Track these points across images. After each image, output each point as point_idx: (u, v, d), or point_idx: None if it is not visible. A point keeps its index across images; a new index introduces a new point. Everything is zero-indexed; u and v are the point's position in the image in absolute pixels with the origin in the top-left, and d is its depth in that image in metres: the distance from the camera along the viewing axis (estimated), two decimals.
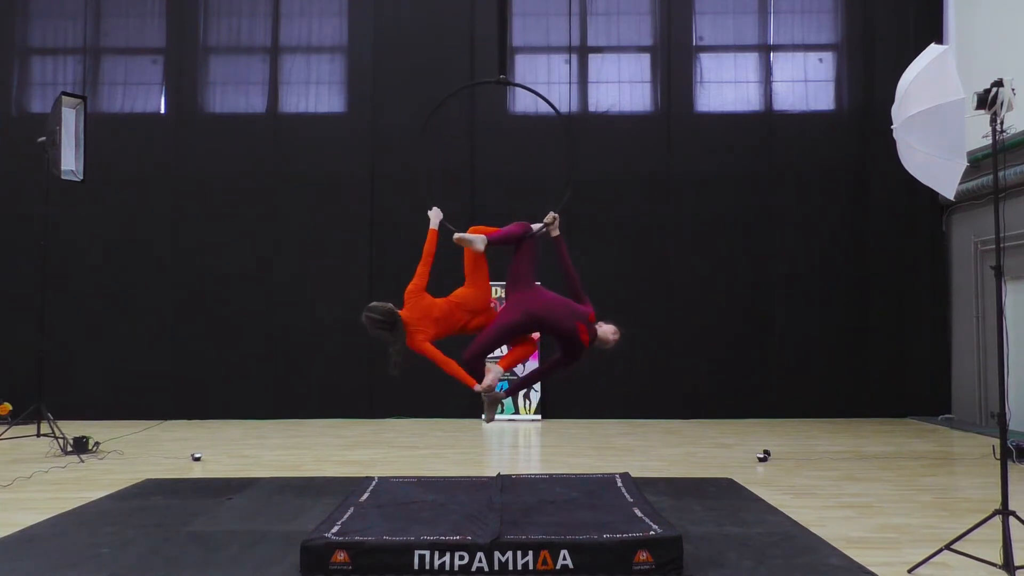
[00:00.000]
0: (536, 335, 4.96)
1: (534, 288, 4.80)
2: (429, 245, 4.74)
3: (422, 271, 4.69)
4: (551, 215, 4.84)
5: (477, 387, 4.61)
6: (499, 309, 4.84)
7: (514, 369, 5.54)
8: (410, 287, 4.65)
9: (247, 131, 10.48)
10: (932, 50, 4.35)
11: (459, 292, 4.78)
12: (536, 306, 4.67)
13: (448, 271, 5.02)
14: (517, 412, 10.10)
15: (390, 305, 4.57)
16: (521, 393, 10.11)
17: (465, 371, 4.62)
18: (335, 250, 10.32)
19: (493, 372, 4.63)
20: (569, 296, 4.83)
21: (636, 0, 10.68)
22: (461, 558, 3.89)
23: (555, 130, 10.24)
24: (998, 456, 4.49)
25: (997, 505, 4.08)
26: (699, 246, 10.32)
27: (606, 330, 4.75)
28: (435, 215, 4.89)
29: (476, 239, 4.64)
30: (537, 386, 10.08)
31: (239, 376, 10.10)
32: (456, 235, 4.68)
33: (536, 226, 4.85)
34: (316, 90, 10.66)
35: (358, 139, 10.45)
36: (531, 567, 3.88)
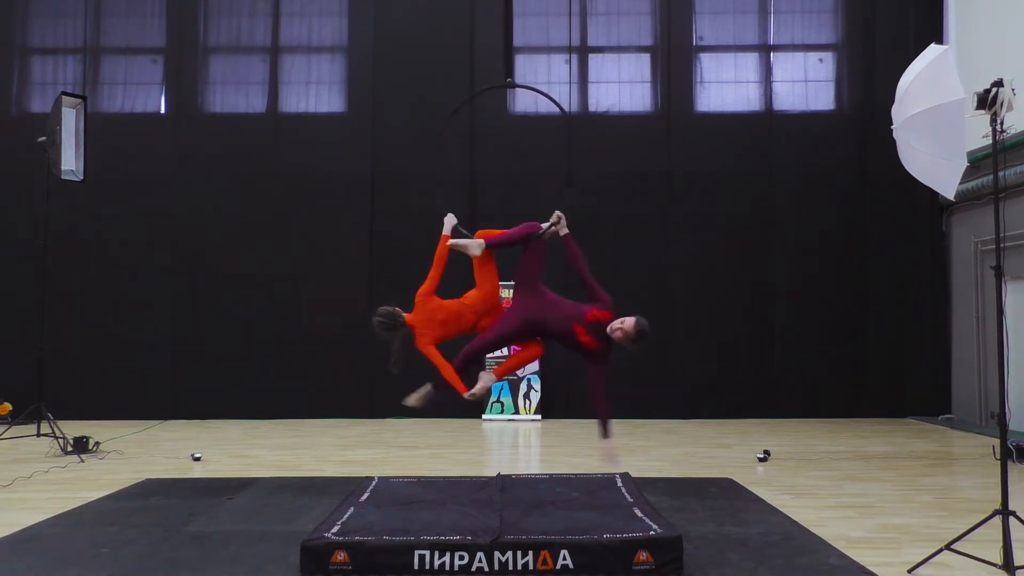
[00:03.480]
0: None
1: (539, 291, 4.75)
2: (440, 250, 4.83)
3: (432, 275, 4.78)
4: (557, 214, 4.84)
5: (466, 394, 4.69)
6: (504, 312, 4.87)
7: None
8: (420, 290, 4.77)
9: (247, 131, 10.48)
10: (932, 50, 4.35)
11: (469, 294, 4.88)
12: (532, 313, 4.66)
13: (463, 273, 5.05)
14: (517, 412, 10.10)
15: (394, 309, 4.73)
16: (521, 393, 10.12)
17: (457, 371, 4.69)
18: (335, 250, 10.32)
19: (483, 380, 4.71)
20: (585, 291, 4.73)
21: (636, 0, 10.69)
22: (461, 558, 3.89)
23: (556, 130, 10.27)
24: (998, 456, 4.49)
25: (997, 505, 4.08)
26: (699, 246, 10.32)
27: (612, 327, 4.54)
28: (449, 220, 4.96)
29: (471, 244, 4.73)
30: (537, 386, 10.10)
31: (239, 376, 10.10)
32: (451, 241, 4.78)
33: (544, 225, 4.85)
34: (316, 90, 10.66)
35: (358, 139, 10.45)
36: (531, 567, 3.88)
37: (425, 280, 4.77)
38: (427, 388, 4.80)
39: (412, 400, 4.82)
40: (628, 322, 4.49)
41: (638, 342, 4.51)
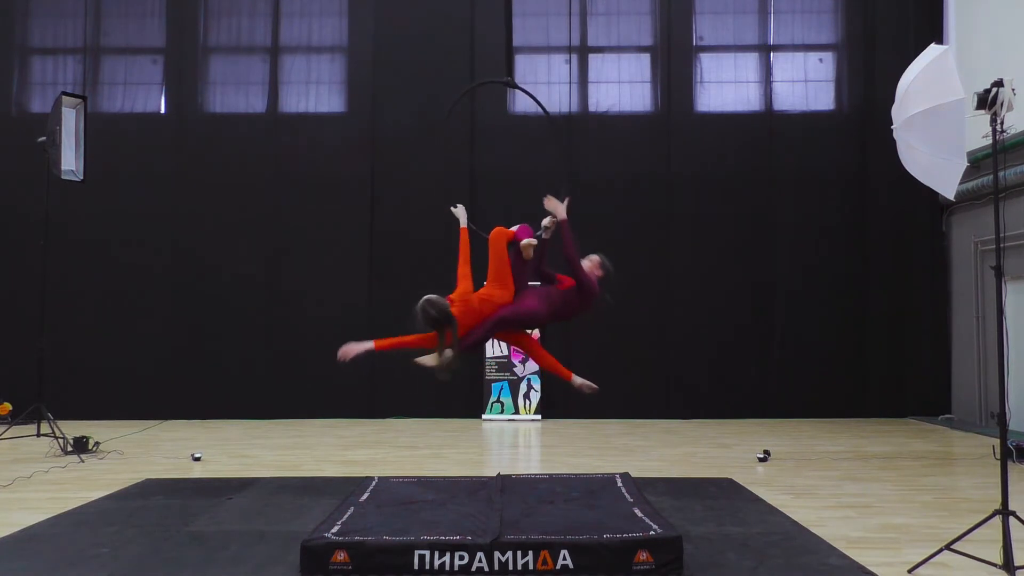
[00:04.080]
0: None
1: (534, 287, 4.91)
2: (464, 244, 4.75)
3: (466, 272, 4.65)
4: (550, 219, 4.85)
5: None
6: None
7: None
8: (461, 290, 4.58)
9: (247, 131, 10.48)
10: (932, 50, 4.35)
11: (493, 293, 4.70)
12: (552, 298, 4.81)
13: (453, 269, 5.03)
14: (517, 412, 10.10)
15: (449, 305, 4.42)
16: (521, 393, 10.12)
17: (477, 344, 4.70)
18: (334, 250, 10.32)
19: (585, 381, 4.81)
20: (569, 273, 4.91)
21: (636, 0, 10.69)
22: (461, 558, 3.89)
23: (555, 131, 10.28)
24: (998, 456, 4.49)
25: (997, 505, 4.08)
26: (699, 246, 10.32)
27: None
28: (462, 213, 4.90)
29: (529, 244, 4.74)
30: (537, 386, 10.10)
31: (239, 376, 10.10)
32: (524, 241, 4.70)
33: (538, 234, 4.88)
34: (316, 90, 10.67)
35: (358, 139, 10.45)
36: (531, 567, 3.88)
37: (461, 279, 4.60)
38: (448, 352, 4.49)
39: (431, 360, 4.55)
40: (593, 257, 4.88)
41: (605, 273, 4.87)
